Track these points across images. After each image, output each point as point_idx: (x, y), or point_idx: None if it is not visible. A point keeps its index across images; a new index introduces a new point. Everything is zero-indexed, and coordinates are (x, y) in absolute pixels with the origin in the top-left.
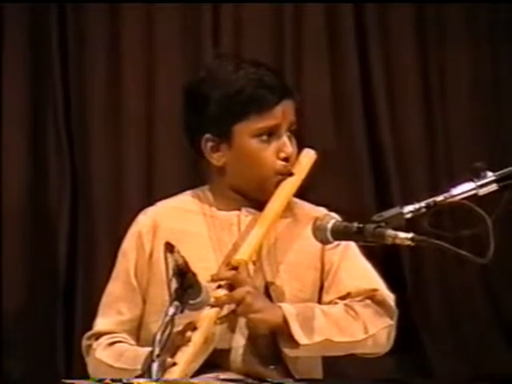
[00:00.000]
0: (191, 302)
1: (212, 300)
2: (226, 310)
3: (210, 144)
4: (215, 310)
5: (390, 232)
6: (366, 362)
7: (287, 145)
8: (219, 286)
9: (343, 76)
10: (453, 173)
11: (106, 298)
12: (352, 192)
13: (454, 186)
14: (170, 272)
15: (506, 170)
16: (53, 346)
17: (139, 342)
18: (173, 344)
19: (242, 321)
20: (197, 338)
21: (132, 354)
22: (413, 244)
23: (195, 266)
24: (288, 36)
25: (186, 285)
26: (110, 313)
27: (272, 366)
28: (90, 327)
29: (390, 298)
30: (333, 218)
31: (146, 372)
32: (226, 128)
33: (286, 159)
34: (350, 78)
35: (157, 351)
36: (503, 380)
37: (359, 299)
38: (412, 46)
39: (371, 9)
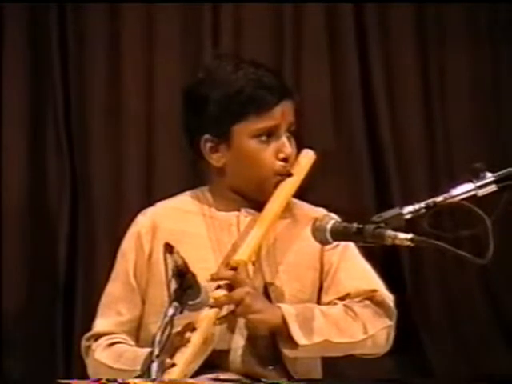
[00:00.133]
0: (190, 302)
1: (211, 301)
2: (225, 310)
3: (209, 144)
4: (214, 310)
5: (390, 233)
6: (365, 362)
7: (286, 145)
8: (218, 287)
9: (343, 76)
10: (453, 173)
11: (105, 299)
12: (352, 192)
13: (454, 186)
14: (170, 273)
15: (505, 171)
16: (52, 346)
17: (138, 342)
18: (172, 345)
19: (241, 321)
20: (196, 338)
21: (131, 354)
22: (412, 244)
23: (194, 267)
24: (288, 36)
25: (185, 285)
26: (109, 313)
27: (271, 367)
28: (89, 327)
29: (389, 298)
30: (332, 219)
31: (145, 373)
32: (225, 128)
33: (285, 160)
34: (349, 78)
35: (156, 352)
36: (503, 380)
37: (358, 300)
38: (412, 46)
39: (371, 9)
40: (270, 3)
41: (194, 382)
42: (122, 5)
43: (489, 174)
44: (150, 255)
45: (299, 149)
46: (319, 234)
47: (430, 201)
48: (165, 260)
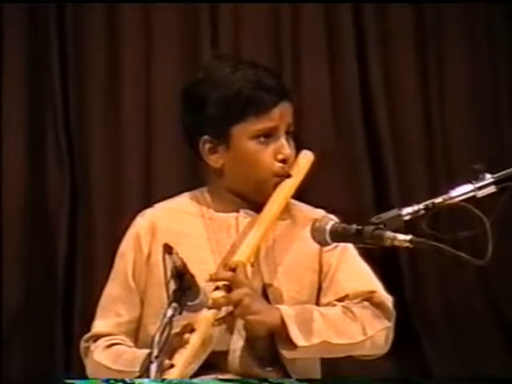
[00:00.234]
0: (189, 303)
1: (210, 302)
2: (223, 311)
3: (207, 145)
4: (213, 311)
5: (389, 234)
6: (365, 363)
7: (285, 146)
8: (217, 288)
9: (342, 76)
10: (452, 173)
11: (103, 300)
12: (350, 192)
13: (453, 187)
14: (169, 274)
15: (504, 172)
16: (52, 346)
17: (137, 343)
18: (171, 346)
19: (239, 322)
20: (195, 339)
21: (130, 355)
22: (411, 246)
23: (193, 268)
24: (286, 36)
25: (184, 286)
26: (108, 315)
27: (270, 368)
28: (89, 328)
29: (387, 299)
30: (331, 220)
31: (144, 374)
32: (224, 129)
33: (283, 161)
34: (348, 78)
35: (155, 353)
36: (502, 381)
37: (357, 301)
38: (410, 46)
39: (370, 9)
40: (269, 3)
41: (196, 382)
42: (121, 5)
43: (488, 175)
44: (149, 256)
45: (298, 150)
46: (318, 235)
47: (429, 202)
48: (164, 261)
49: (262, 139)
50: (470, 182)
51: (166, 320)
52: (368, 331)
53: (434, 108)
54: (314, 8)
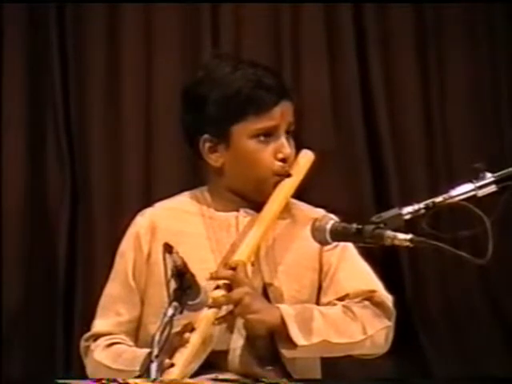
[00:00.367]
0: (190, 302)
1: (210, 301)
2: (224, 310)
3: (207, 145)
4: (213, 310)
5: (389, 233)
6: (365, 362)
7: (285, 146)
8: (217, 287)
9: (342, 75)
10: (452, 172)
11: (104, 300)
12: (351, 192)
13: (453, 187)
14: (169, 273)
15: (505, 172)
16: (52, 346)
17: (137, 342)
18: (171, 345)
19: (240, 322)
20: (195, 339)
21: (130, 355)
22: (412, 245)
23: (194, 267)
24: (287, 35)
25: (184, 286)
26: (108, 314)
27: (270, 367)
28: (89, 328)
29: (388, 299)
30: (331, 219)
31: (144, 373)
32: (224, 129)
33: (283, 160)
34: (348, 78)
35: (155, 352)
36: (503, 380)
37: (357, 300)
38: (411, 46)
39: (370, 8)
40: (269, 3)
41: (194, 382)
42: (121, 5)
43: (488, 175)
44: (149, 255)
45: (298, 149)
46: (319, 235)
47: (429, 201)
48: (164, 260)
49: (262, 138)
50: (471, 181)
51: (166, 319)
52: (368, 330)
53: (434, 108)
54: (315, 8)
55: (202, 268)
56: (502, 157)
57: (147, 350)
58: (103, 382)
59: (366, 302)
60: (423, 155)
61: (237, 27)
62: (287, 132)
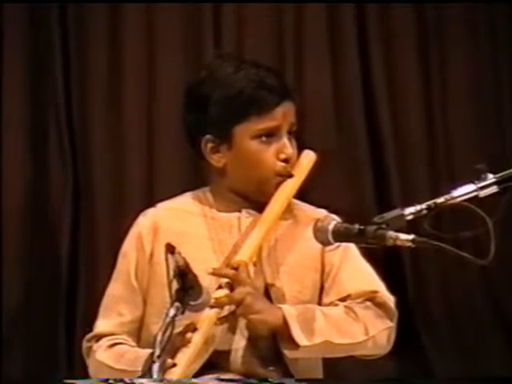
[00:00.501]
0: (192, 303)
1: (212, 301)
2: (226, 311)
3: (210, 145)
4: (215, 311)
5: (391, 233)
6: (367, 362)
7: (287, 146)
8: (219, 287)
9: (344, 75)
10: (453, 173)
11: (106, 300)
12: (352, 192)
13: (455, 187)
14: (171, 273)
15: (506, 172)
16: (54, 346)
17: (140, 343)
18: (173, 345)
19: (242, 322)
20: (197, 339)
21: (132, 355)
22: (414, 245)
23: (196, 268)
24: (289, 36)
25: (186, 286)
26: (110, 314)
27: (272, 367)
28: (91, 328)
29: (390, 299)
30: (333, 220)
31: (146, 373)
32: (227, 129)
33: (285, 160)
34: (351, 78)
35: (157, 352)
36: (503, 380)
37: (359, 301)
38: (413, 46)
39: (372, 9)
40: (272, 3)
41: (201, 382)
42: (123, 5)
43: (490, 175)
44: (151, 256)
45: (300, 149)
46: (321, 235)
47: (431, 202)
48: (166, 260)
49: (264, 139)
50: (472, 182)
51: (168, 319)
52: (370, 331)
53: (436, 108)
54: (317, 8)
55: (204, 268)
56: (504, 157)
57: (149, 351)
58: (110, 382)
59: (368, 303)
60: (425, 155)
61: (239, 27)
62: (289, 132)
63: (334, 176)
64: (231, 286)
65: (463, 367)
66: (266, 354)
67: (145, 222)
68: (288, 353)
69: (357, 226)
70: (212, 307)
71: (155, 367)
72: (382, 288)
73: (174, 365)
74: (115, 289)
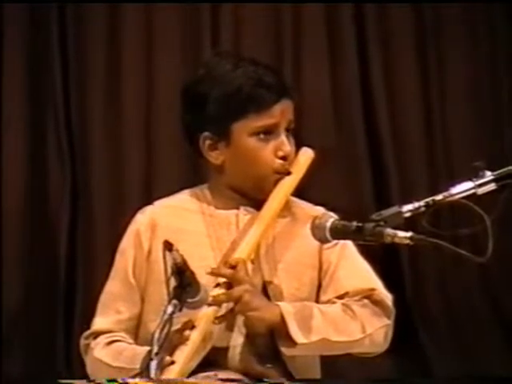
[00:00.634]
0: (190, 300)
1: (210, 299)
2: (224, 308)
3: (208, 142)
4: (213, 308)
5: (389, 231)
6: (365, 361)
7: (285, 143)
8: (217, 285)
9: (343, 74)
10: (452, 171)
11: (104, 297)
12: (351, 190)
13: (453, 185)
14: (169, 270)
15: (504, 170)
16: (53, 345)
17: (137, 340)
18: (171, 342)
19: (240, 319)
20: (195, 336)
21: (130, 352)
22: (412, 243)
23: (194, 265)
24: (287, 35)
25: (184, 283)
26: (108, 312)
27: (269, 365)
28: (89, 326)
29: (387, 297)
30: (331, 217)
31: (144, 371)
32: (225, 126)
33: (283, 158)
34: (349, 77)
35: (155, 349)
36: (503, 380)
37: (357, 299)
38: (411, 46)
39: (371, 8)
40: (269, 3)
41: (197, 381)
42: (122, 5)
43: (488, 173)
44: (149, 253)
45: (298, 147)
46: (319, 233)
47: (429, 199)
48: (164, 258)
49: (262, 136)
50: (470, 180)
51: (166, 317)
52: (367, 329)
53: (434, 107)
54: (315, 8)
55: (202, 266)
56: (502, 156)
57: (147, 348)
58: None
59: (366, 301)
60: (423, 154)
61: (237, 27)
62: (287, 130)
63: (332, 174)
64: (229, 284)
65: (461, 365)
66: (264, 351)
67: (143, 219)
68: (285, 350)
69: (355, 224)
70: (210, 305)
71: (153, 365)
72: (380, 286)
73: (172, 362)
74: (113, 286)
